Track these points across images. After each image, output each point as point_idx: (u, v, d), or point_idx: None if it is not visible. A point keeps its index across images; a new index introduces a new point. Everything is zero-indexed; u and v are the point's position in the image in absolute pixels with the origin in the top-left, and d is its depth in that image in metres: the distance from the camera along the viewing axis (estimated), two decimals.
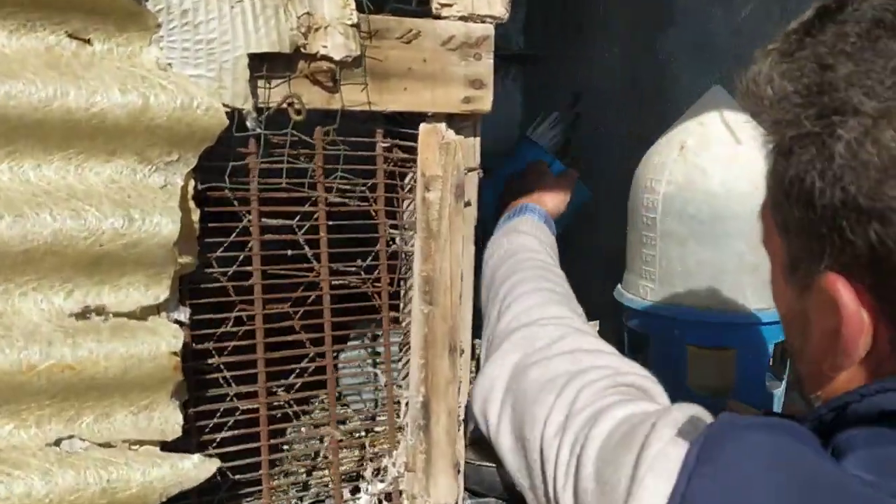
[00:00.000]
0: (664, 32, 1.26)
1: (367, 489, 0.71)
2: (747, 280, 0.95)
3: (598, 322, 1.01)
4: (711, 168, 0.96)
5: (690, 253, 0.99)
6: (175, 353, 0.57)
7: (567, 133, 1.24)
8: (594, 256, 1.42)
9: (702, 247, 0.98)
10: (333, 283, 0.68)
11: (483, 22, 0.69)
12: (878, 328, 0.42)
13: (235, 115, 0.59)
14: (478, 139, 0.73)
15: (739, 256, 0.94)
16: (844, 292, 0.42)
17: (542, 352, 0.63)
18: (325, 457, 0.73)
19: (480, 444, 0.79)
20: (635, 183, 1.08)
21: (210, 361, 0.63)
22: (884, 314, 0.42)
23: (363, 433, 0.74)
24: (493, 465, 0.81)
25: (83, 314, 0.55)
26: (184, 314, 0.60)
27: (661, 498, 0.41)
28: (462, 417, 0.75)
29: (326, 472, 0.74)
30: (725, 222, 0.96)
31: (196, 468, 0.59)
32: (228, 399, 0.65)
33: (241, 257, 0.63)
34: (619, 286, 1.13)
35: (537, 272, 0.74)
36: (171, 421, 0.58)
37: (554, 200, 0.95)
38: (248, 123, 0.60)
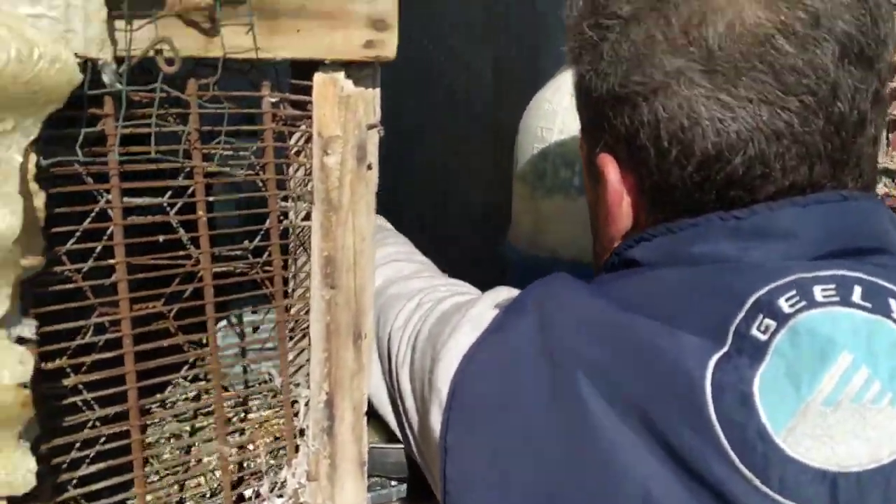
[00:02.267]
0: None
1: None
2: None
3: None
4: None
5: (584, 205, 0.98)
6: (23, 385, 0.46)
7: None
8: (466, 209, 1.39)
9: None
10: (216, 271, 0.58)
11: None
12: (638, 203, 0.53)
13: (89, 68, 0.47)
14: (377, 90, 0.65)
15: None
16: (609, 166, 0.53)
17: (403, 277, 0.78)
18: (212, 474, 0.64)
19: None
20: (522, 133, 1.05)
21: (66, 383, 0.52)
22: (642, 191, 0.52)
23: (258, 444, 0.66)
24: (380, 445, 0.77)
25: None
26: (29, 328, 0.48)
27: (469, 340, 0.54)
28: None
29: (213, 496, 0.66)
30: None
31: None
32: (90, 426, 0.54)
33: (100, 248, 0.52)
34: (507, 239, 1.10)
35: (399, 238, 0.92)
36: (21, 469, 0.47)
37: None
38: (105, 78, 0.48)
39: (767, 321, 0.41)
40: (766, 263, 0.46)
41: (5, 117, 0.43)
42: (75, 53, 0.45)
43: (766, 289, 0.43)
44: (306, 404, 0.65)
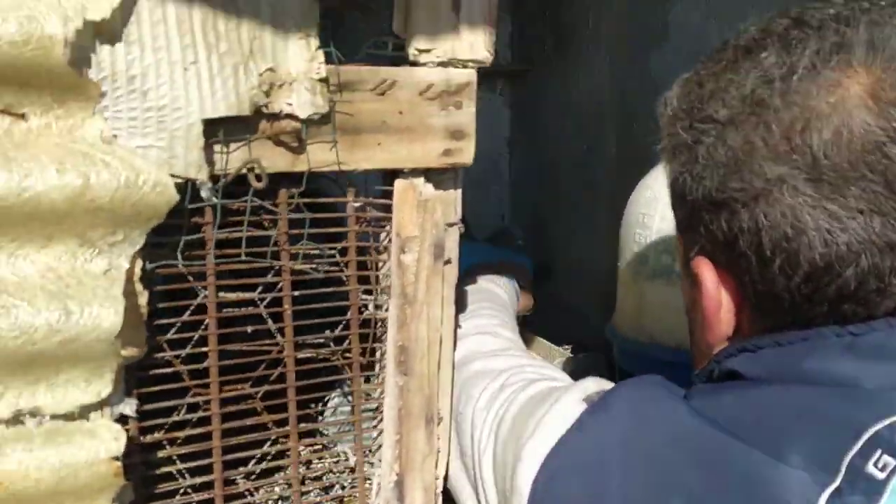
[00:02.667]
0: (657, 47, 1.24)
1: None
2: None
3: None
4: None
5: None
6: (116, 458, 0.53)
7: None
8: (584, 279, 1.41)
9: None
10: (299, 357, 0.65)
11: (465, 67, 0.66)
12: (740, 310, 0.51)
13: (188, 186, 0.55)
14: (459, 191, 0.70)
15: None
16: (705, 271, 0.51)
17: (487, 353, 0.77)
18: None
19: None
20: (626, 218, 1.06)
21: (161, 455, 0.60)
22: (744, 298, 0.50)
23: None
24: None
25: (15, 419, 0.51)
26: (130, 407, 0.56)
27: (553, 438, 0.53)
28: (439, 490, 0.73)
29: None
30: None
31: None
32: (182, 493, 0.61)
33: (196, 337, 0.60)
34: (610, 324, 1.11)
35: (496, 311, 0.90)
36: None
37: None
38: (203, 194, 0.56)
39: (886, 458, 0.39)
40: (885, 392, 0.43)
41: (116, 231, 0.52)
42: (175, 174, 0.53)
43: (886, 422, 0.40)
44: (378, 484, 0.70)
